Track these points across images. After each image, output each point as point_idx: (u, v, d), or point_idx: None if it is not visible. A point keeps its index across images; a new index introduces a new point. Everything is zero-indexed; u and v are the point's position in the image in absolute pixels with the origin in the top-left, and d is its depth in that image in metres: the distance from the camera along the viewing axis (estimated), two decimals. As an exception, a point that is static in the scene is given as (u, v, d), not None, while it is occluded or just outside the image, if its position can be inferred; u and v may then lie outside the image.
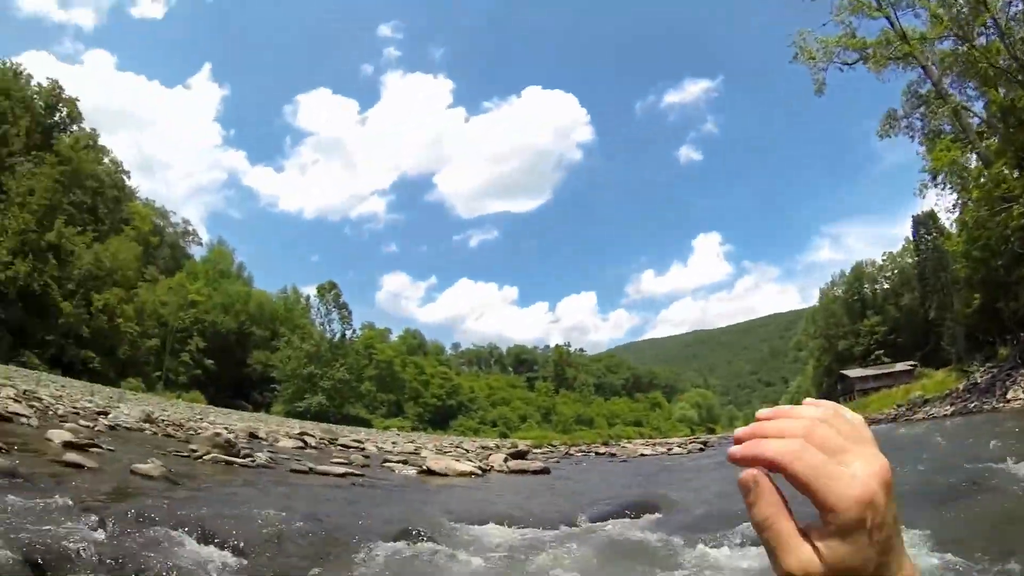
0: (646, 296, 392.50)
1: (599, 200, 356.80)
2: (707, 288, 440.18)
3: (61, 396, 24.78)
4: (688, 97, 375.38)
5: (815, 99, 32.39)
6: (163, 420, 21.03)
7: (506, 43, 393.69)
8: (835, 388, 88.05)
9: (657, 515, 8.34)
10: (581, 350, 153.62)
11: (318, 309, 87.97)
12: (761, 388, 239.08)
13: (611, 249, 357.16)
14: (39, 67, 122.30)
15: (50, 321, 54.07)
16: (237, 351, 77.10)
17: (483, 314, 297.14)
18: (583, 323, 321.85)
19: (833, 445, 0.59)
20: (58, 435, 10.02)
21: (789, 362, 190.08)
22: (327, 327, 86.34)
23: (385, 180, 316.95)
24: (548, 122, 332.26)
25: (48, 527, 4.63)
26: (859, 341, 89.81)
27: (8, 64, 64.49)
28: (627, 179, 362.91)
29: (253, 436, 19.75)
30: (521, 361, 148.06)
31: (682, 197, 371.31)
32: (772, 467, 0.59)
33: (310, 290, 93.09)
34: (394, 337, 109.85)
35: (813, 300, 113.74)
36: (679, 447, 31.84)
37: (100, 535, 4.66)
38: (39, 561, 3.90)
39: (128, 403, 32.26)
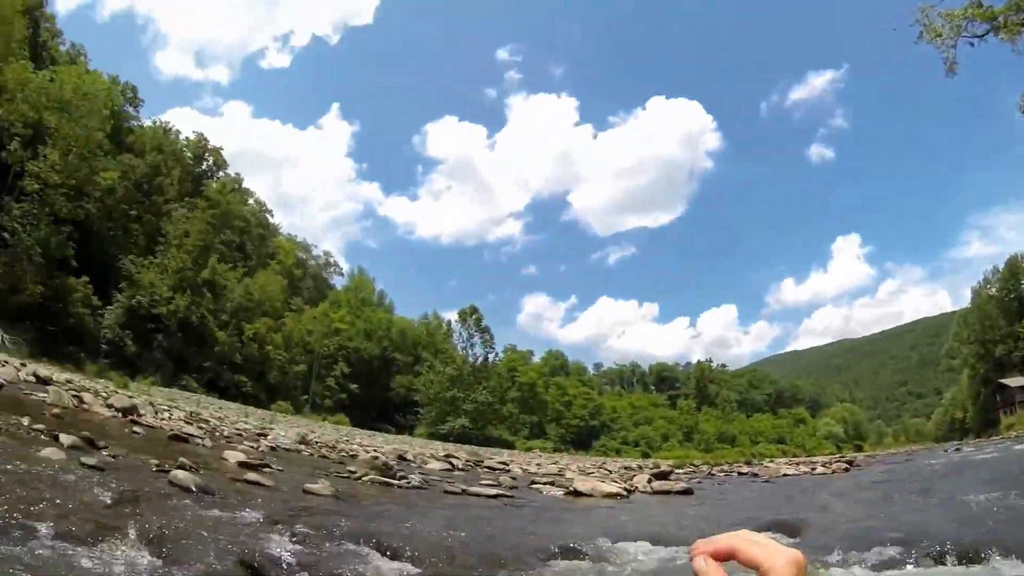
0: (787, 306, 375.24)
1: (733, 208, 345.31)
2: (849, 294, 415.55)
3: (222, 418, 26.66)
4: (813, 91, 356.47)
5: (948, 80, 30.12)
6: (316, 442, 22.19)
7: (625, 55, 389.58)
8: (993, 399, 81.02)
9: (795, 538, 8.14)
10: (723, 365, 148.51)
11: (460, 333, 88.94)
12: (912, 400, 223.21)
13: (749, 259, 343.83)
14: (185, 122, 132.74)
15: (207, 349, 59.00)
16: (381, 375, 79.63)
17: (624, 332, 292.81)
18: (724, 337, 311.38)
19: (762, 539, 0.90)
20: (233, 456, 10.94)
21: (941, 371, 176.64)
22: (469, 351, 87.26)
23: (519, 202, 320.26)
24: (675, 132, 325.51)
25: (249, 538, 5.19)
26: (1018, 346, 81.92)
27: (158, 123, 71.24)
28: (759, 184, 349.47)
29: (402, 458, 20.49)
30: (663, 379, 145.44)
31: (817, 198, 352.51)
32: (722, 553, 0.92)
33: (451, 315, 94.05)
34: (536, 358, 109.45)
35: (964, 301, 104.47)
36: (823, 467, 30.39)
37: (295, 546, 5.17)
38: (255, 565, 4.40)
39: (279, 424, 34.20)
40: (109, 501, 5.71)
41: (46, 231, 44.83)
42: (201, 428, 17.11)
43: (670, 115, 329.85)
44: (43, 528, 4.49)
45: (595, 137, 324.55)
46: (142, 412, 16.20)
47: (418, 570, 5.18)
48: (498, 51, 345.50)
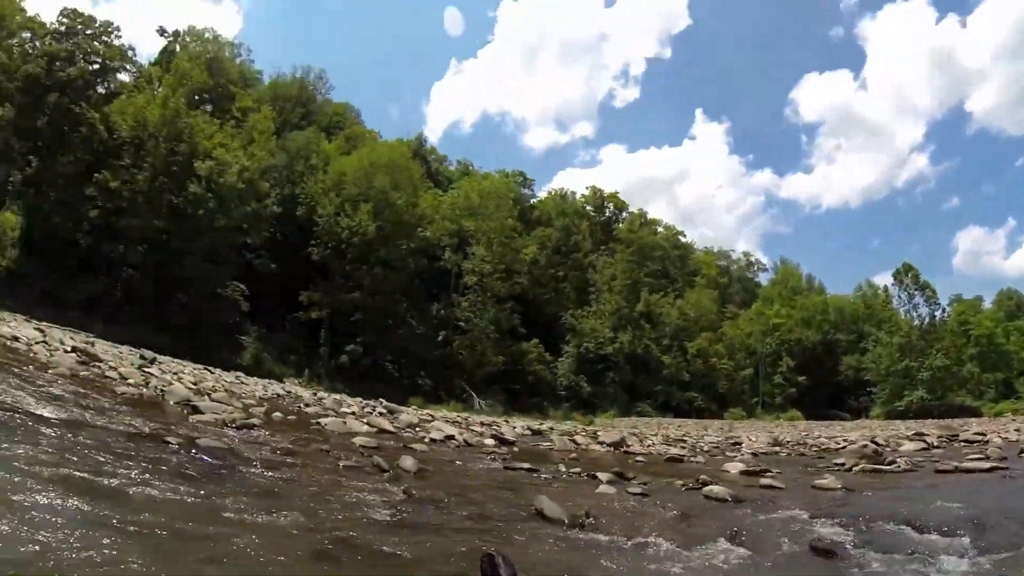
0: None
1: None
2: None
3: (686, 434, 28.92)
4: None
5: None
6: (786, 441, 22.90)
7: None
8: None
9: None
10: None
11: (899, 296, 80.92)
12: None
13: None
14: (574, 181, 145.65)
15: (654, 374, 64.34)
16: (826, 361, 76.23)
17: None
18: None
19: None
20: (732, 467, 12.35)
21: None
22: (913, 313, 79.00)
23: (915, 133, 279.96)
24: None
25: (801, 529, 6.40)
26: None
27: (553, 192, 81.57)
28: None
29: (874, 443, 20.28)
30: None
31: None
32: None
33: (884, 279, 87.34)
34: (987, 304, 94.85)
35: None
36: None
37: (842, 531, 6.19)
38: (825, 549, 5.57)
39: (738, 431, 35.53)
40: (673, 516, 7.29)
41: (492, 311, 55.16)
42: (682, 447, 18.88)
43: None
44: (656, 542, 6.05)
45: (964, 26, 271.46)
46: (629, 443, 18.48)
47: (964, 540, 5.78)
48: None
